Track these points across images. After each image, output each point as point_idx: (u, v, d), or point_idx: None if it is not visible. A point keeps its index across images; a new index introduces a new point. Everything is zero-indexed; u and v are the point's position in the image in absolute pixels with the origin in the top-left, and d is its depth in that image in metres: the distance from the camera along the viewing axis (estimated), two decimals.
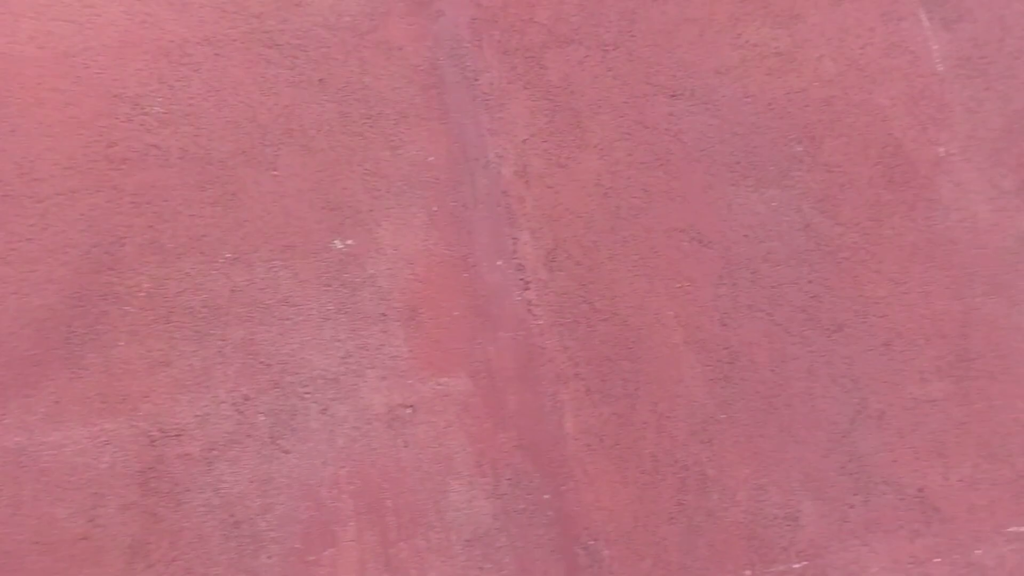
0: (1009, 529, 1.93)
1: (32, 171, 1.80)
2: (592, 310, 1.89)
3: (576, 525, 1.73)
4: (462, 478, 1.71)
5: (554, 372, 1.82)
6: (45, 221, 1.76)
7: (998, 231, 2.23)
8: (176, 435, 1.63)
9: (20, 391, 1.64)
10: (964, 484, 1.94)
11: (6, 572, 1.56)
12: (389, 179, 1.89)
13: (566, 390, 1.81)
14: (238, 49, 1.92)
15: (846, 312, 2.03)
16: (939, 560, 1.88)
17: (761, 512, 1.82)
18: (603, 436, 1.79)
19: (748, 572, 1.78)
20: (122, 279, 1.72)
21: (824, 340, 1.99)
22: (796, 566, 1.80)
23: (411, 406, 1.72)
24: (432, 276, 1.84)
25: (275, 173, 1.84)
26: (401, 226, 1.86)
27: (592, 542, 1.73)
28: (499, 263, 1.88)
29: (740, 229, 2.06)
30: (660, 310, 1.93)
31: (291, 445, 1.65)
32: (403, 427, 1.71)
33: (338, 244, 1.81)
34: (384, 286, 1.81)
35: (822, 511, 1.83)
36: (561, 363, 1.83)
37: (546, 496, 1.74)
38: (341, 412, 1.69)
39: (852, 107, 2.26)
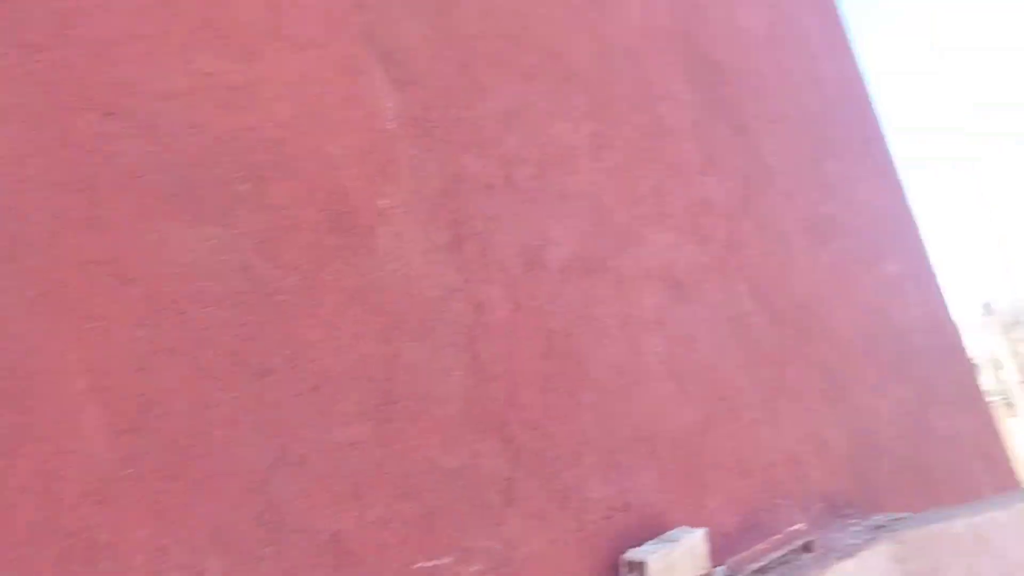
0: (416, 566, 2.07)
1: None
2: None
3: None
4: None
5: None
6: None
7: (428, 281, 2.43)
8: None
9: None
10: (377, 524, 2.04)
11: None
12: None
13: None
14: None
15: (278, 356, 2.01)
16: None
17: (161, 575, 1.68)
18: None
19: None
20: None
21: (251, 385, 1.94)
22: None
23: None
24: None
25: None
26: None
27: None
28: None
29: (171, 266, 1.92)
30: (62, 353, 1.70)
31: None
32: None
33: None
34: None
35: (229, 567, 1.76)
36: None
37: None
38: None
39: (303, 152, 2.28)
